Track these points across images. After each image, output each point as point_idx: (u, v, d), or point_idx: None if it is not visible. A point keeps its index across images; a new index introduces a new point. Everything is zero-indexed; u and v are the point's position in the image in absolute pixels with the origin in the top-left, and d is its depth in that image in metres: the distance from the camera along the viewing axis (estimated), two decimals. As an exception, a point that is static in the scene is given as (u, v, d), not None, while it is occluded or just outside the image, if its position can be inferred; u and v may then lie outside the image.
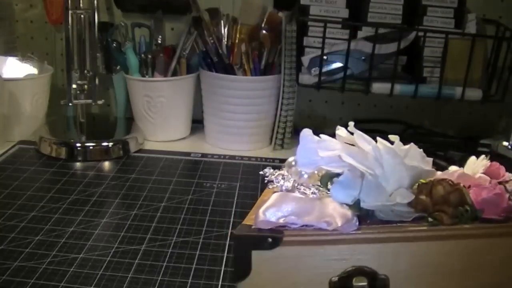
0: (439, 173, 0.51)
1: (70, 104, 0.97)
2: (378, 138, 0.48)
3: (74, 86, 0.97)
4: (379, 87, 0.89)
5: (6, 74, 0.99)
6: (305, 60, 0.92)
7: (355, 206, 0.48)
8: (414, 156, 0.49)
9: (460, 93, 0.88)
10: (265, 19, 0.97)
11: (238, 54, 0.95)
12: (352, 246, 0.46)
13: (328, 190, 0.50)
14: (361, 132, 0.48)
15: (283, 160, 0.94)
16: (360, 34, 0.91)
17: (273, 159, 0.96)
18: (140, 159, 0.93)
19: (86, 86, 0.98)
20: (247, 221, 0.49)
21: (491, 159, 0.54)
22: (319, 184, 0.53)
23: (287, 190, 0.52)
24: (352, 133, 0.49)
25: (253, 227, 0.47)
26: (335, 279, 0.47)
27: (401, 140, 0.49)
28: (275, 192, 0.52)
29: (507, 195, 0.47)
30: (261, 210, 0.48)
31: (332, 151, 0.48)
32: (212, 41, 0.96)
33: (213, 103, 0.99)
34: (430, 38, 0.89)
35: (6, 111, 0.95)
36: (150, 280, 0.59)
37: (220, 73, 0.96)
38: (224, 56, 0.96)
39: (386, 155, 0.47)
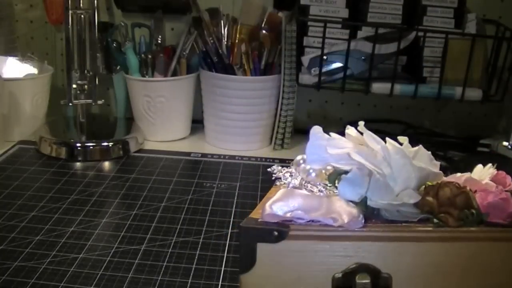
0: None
1: (70, 104, 0.97)
2: (388, 139, 0.48)
3: (74, 86, 0.97)
4: (379, 87, 0.89)
5: (6, 74, 0.99)
6: (305, 60, 0.92)
7: (362, 204, 0.48)
8: (422, 158, 0.49)
9: (460, 93, 0.88)
10: (265, 19, 0.97)
11: (238, 54, 0.95)
12: (357, 243, 0.47)
13: (336, 187, 0.51)
14: (370, 132, 0.49)
15: (283, 160, 0.94)
16: (360, 34, 0.91)
17: (273, 159, 0.96)
18: (140, 159, 0.93)
19: (86, 86, 0.98)
20: (254, 214, 0.49)
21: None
22: (327, 182, 0.53)
23: (294, 187, 0.53)
24: (361, 133, 0.50)
25: (259, 220, 0.48)
26: (339, 275, 0.47)
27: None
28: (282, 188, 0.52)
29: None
30: (268, 204, 0.48)
31: (341, 149, 0.48)
32: (212, 41, 0.96)
33: (213, 103, 0.99)
34: (430, 38, 0.89)
35: (6, 111, 0.95)
36: (150, 280, 0.59)
37: (220, 73, 0.96)
38: (224, 56, 0.96)
39: (395, 155, 0.47)
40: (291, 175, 0.55)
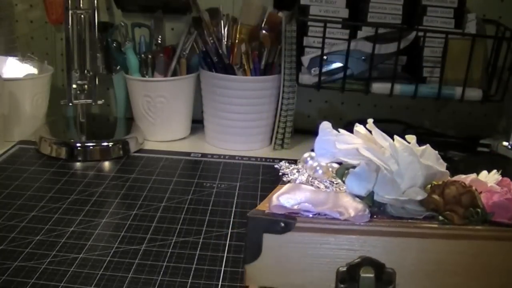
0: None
1: (70, 104, 0.97)
2: (396, 137, 0.49)
3: (74, 86, 0.97)
4: (379, 87, 0.89)
5: (6, 74, 0.99)
6: (305, 60, 0.92)
7: (369, 198, 0.48)
8: (430, 157, 0.50)
9: (460, 93, 0.88)
10: (265, 19, 0.97)
11: (238, 54, 0.95)
12: (362, 237, 0.47)
13: (343, 181, 0.51)
14: (379, 130, 0.49)
15: (283, 160, 0.94)
16: (360, 34, 0.91)
17: (273, 159, 0.96)
18: (140, 159, 0.93)
19: (86, 86, 0.98)
20: (261, 207, 0.50)
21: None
22: (333, 179, 0.54)
23: (301, 183, 0.54)
24: (370, 131, 0.50)
25: (266, 211, 0.48)
26: (343, 268, 0.47)
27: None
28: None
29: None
30: (275, 196, 0.49)
31: (350, 145, 0.49)
32: (212, 41, 0.96)
33: (213, 103, 0.99)
34: (430, 38, 0.89)
35: (6, 111, 0.95)
36: (150, 280, 0.59)
37: (220, 73, 0.96)
38: (224, 56, 0.96)
39: (402, 152, 0.48)
40: (298, 172, 0.56)
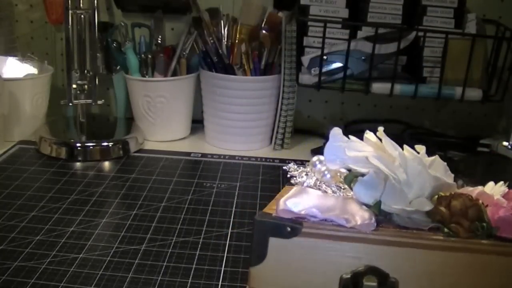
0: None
1: (70, 104, 0.97)
2: (405, 146, 0.49)
3: (74, 86, 0.97)
4: (379, 87, 0.89)
5: (6, 74, 0.99)
6: (305, 60, 0.92)
7: (376, 207, 0.48)
8: (438, 168, 0.50)
9: (460, 93, 0.88)
10: (265, 19, 0.97)
11: (238, 54, 0.95)
12: (367, 246, 0.47)
13: (351, 188, 0.51)
14: (390, 139, 0.49)
15: (283, 160, 0.94)
16: (360, 34, 0.91)
17: (273, 159, 0.96)
18: (140, 159, 0.93)
19: (86, 86, 0.98)
20: (268, 209, 0.50)
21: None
22: (341, 184, 0.54)
23: (309, 187, 0.54)
24: (380, 139, 0.50)
25: (273, 215, 0.48)
26: (347, 275, 0.47)
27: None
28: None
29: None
30: (282, 200, 0.49)
31: (359, 152, 0.49)
32: (212, 41, 0.96)
33: (213, 103, 0.99)
34: (430, 38, 0.89)
35: (6, 111, 0.95)
36: (150, 280, 0.59)
37: (220, 73, 0.96)
38: (224, 56, 0.96)
39: (411, 162, 0.48)
40: (306, 175, 0.56)
